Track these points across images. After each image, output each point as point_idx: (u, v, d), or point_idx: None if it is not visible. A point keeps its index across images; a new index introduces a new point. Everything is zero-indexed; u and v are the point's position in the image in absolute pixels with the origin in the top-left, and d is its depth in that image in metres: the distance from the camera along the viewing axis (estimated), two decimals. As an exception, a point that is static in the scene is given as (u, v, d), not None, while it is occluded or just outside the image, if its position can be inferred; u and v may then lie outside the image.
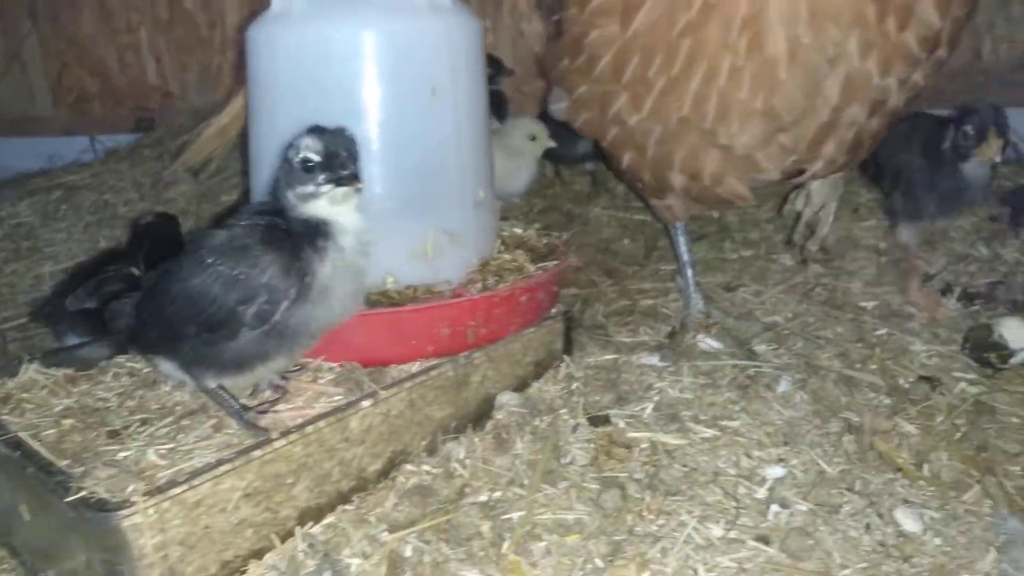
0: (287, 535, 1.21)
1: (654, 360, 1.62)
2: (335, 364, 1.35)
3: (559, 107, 1.68)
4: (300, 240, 1.19)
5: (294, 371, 1.34)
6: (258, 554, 1.19)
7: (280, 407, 1.27)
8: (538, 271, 1.52)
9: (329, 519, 1.25)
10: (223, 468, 1.11)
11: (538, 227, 1.75)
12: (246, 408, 1.24)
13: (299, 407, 1.27)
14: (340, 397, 1.29)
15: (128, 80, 3.43)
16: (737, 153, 1.49)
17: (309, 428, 1.21)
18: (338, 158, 1.17)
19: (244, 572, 1.17)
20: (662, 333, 1.76)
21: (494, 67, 2.50)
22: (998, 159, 1.71)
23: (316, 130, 1.18)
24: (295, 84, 1.41)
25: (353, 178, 1.17)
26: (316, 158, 1.17)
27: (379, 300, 1.40)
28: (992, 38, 2.81)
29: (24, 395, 1.35)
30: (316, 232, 1.20)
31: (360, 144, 1.21)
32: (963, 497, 1.28)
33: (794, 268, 2.02)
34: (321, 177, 1.17)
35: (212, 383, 1.23)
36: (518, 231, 1.70)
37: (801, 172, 1.59)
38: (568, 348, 1.63)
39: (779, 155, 1.50)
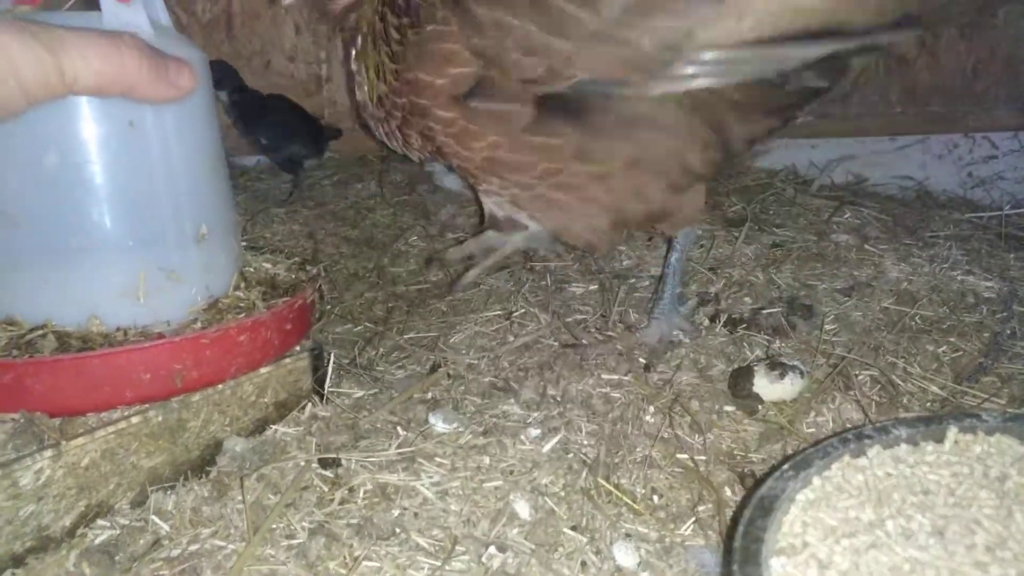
0: (-61, 606, 1.10)
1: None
2: (9, 415, 1.24)
3: None
4: None
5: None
6: (-102, 630, 1.07)
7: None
8: (266, 309, 1.45)
9: (-7, 586, 1.14)
10: None
11: (294, 261, 1.68)
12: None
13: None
14: (11, 451, 1.18)
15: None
16: None
17: (-40, 486, 1.10)
18: None
19: None
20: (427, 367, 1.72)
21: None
22: None
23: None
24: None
25: None
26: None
27: (79, 344, 1.30)
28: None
29: None
30: None
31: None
32: (681, 530, 1.27)
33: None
34: None
35: None
36: (267, 265, 1.63)
37: None
38: (319, 387, 1.56)
39: None
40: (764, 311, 1.84)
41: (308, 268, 1.66)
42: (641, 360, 1.71)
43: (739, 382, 1.59)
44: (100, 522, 1.24)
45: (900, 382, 1.61)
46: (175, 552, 1.19)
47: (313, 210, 2.61)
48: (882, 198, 2.87)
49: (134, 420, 1.27)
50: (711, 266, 2.15)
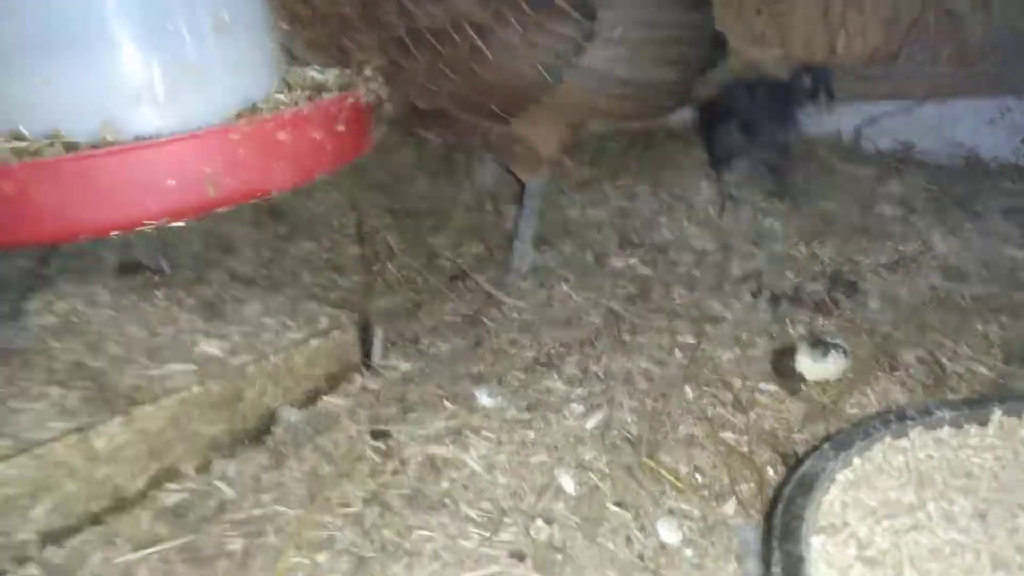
0: (25, 560, 1.17)
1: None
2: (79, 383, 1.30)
3: None
4: None
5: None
6: (-12, 583, 1.15)
7: None
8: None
9: (75, 541, 1.21)
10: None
11: (344, 71, 1.57)
12: None
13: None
14: (85, 416, 1.25)
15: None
16: None
17: (41, 450, 1.16)
18: None
19: (-29, 601, 1.13)
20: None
21: None
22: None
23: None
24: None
25: None
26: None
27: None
28: (846, 33, 2.89)
29: None
30: None
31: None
32: (723, 508, 1.30)
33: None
34: None
35: None
36: (314, 74, 1.52)
37: None
38: (367, 359, 1.61)
39: None
40: (807, 287, 1.84)
41: (366, 71, 1.53)
42: (688, 338, 1.73)
43: (782, 360, 1.59)
44: (169, 485, 1.31)
45: (947, 362, 1.61)
46: (240, 516, 1.25)
47: (354, 180, 2.63)
48: (930, 167, 2.80)
49: (195, 390, 1.33)
50: (753, 239, 2.14)
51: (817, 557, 0.82)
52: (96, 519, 1.24)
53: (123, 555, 1.18)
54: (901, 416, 1.26)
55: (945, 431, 1.24)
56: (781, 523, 0.88)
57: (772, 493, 1.31)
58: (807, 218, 2.26)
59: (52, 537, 1.20)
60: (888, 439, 1.21)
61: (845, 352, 1.58)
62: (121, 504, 1.27)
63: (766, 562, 1.06)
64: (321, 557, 1.18)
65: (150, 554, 1.18)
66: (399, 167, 2.76)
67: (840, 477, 0.98)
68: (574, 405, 1.51)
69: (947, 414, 1.25)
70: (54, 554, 1.18)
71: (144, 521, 1.24)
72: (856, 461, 1.12)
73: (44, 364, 1.39)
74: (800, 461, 1.24)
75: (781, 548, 0.82)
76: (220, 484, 1.31)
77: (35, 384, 1.34)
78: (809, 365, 1.57)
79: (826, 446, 1.03)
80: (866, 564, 0.84)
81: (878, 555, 0.88)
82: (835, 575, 0.82)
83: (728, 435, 1.44)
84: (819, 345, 1.57)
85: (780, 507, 0.92)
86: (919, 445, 1.21)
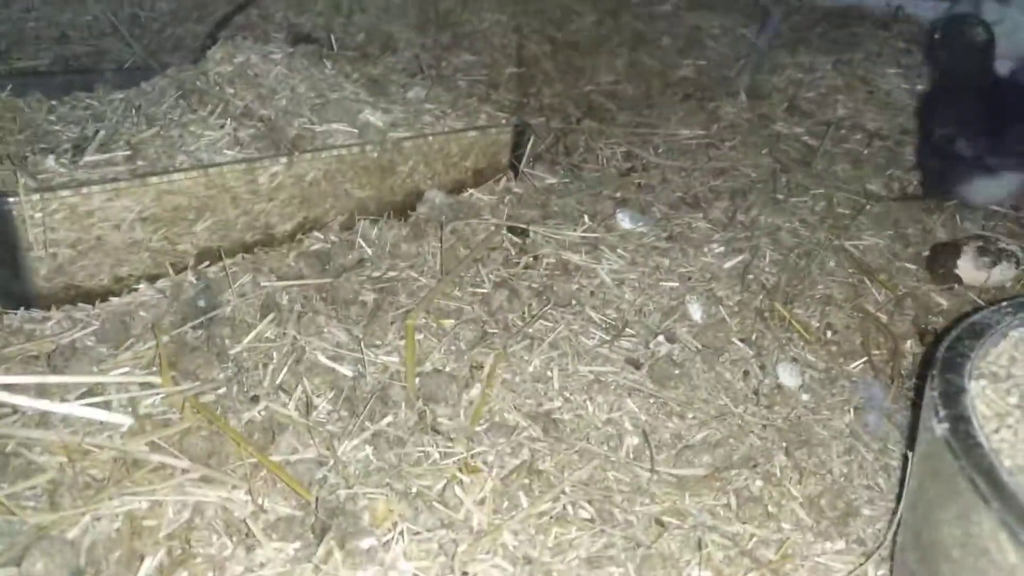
0: (182, 268, 1.27)
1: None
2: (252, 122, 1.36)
3: None
4: None
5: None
6: (152, 278, 1.25)
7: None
8: None
9: (227, 262, 1.30)
10: (115, 185, 1.16)
11: None
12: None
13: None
14: (253, 151, 1.31)
15: None
16: None
17: (212, 170, 1.24)
18: None
19: (136, 291, 1.24)
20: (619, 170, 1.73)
21: None
22: None
23: None
24: None
25: None
26: None
27: None
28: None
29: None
30: None
31: None
32: (850, 366, 1.26)
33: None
34: None
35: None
36: None
37: None
38: (516, 165, 1.61)
39: None
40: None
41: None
42: (844, 209, 1.64)
43: (940, 259, 1.47)
44: (315, 234, 1.38)
45: None
46: (376, 273, 1.31)
47: (520, 5, 2.57)
48: None
49: (354, 150, 1.37)
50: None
51: (976, 396, 0.78)
52: (247, 248, 1.32)
53: (269, 281, 1.26)
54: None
55: None
56: (944, 357, 0.82)
57: (908, 365, 1.26)
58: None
59: (208, 255, 1.29)
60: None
61: (1018, 262, 1.45)
62: (270, 240, 1.34)
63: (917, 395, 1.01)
64: (447, 323, 1.22)
65: (292, 285, 1.25)
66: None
67: (1014, 334, 0.91)
68: (715, 245, 1.47)
69: None
70: (208, 269, 1.28)
71: (290, 259, 1.32)
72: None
73: (220, 104, 1.47)
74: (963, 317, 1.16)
75: (942, 376, 0.77)
76: (362, 242, 1.37)
77: (212, 117, 1.42)
78: (972, 272, 1.45)
79: (1004, 303, 0.96)
80: (1024, 416, 0.79)
81: (1038, 411, 0.82)
82: (991, 416, 0.77)
83: (868, 304, 1.38)
84: (989, 252, 1.44)
85: (945, 344, 0.86)
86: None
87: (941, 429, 0.70)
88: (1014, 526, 0.60)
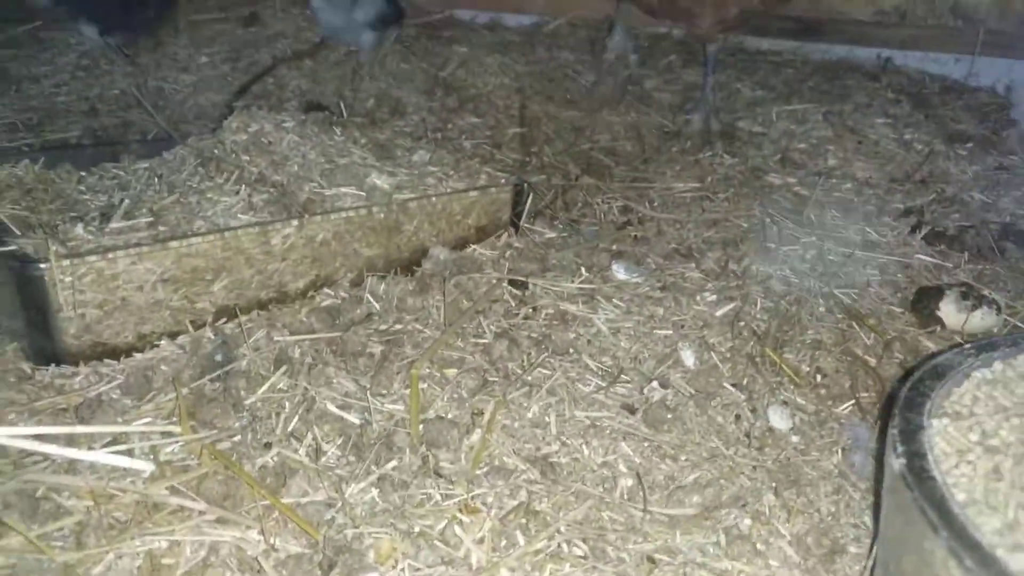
0: (201, 324, 1.35)
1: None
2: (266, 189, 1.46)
3: None
4: None
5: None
6: (173, 335, 1.33)
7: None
8: None
9: (243, 319, 1.38)
10: (138, 250, 1.25)
11: None
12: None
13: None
14: (266, 215, 1.40)
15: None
16: None
17: (228, 233, 1.32)
18: None
19: (157, 347, 1.32)
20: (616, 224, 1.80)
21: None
22: None
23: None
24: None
25: None
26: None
27: None
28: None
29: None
30: None
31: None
32: (838, 408, 1.31)
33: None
34: None
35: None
36: None
37: None
38: (516, 222, 1.69)
39: None
40: (972, 230, 1.76)
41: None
42: (835, 256, 1.70)
43: (923, 301, 1.53)
44: (326, 291, 1.46)
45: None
46: (383, 326, 1.38)
47: (525, 67, 2.69)
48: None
49: (362, 212, 1.46)
50: (921, 178, 2.05)
51: (936, 434, 0.83)
52: (262, 305, 1.40)
53: (283, 336, 1.33)
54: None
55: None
56: (906, 397, 0.87)
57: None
58: (988, 168, 2.13)
59: (225, 312, 1.37)
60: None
61: (999, 309, 1.50)
62: (283, 297, 1.42)
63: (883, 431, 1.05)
64: (450, 372, 1.29)
65: (304, 339, 1.33)
66: (569, 62, 2.79)
67: (977, 375, 0.96)
68: (707, 293, 1.53)
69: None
70: (225, 325, 1.36)
71: (302, 314, 1.40)
72: (998, 365, 1.06)
73: (235, 171, 1.56)
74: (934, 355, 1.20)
75: (902, 414, 0.82)
76: (370, 298, 1.44)
77: (228, 184, 1.51)
78: (953, 315, 1.49)
79: (967, 345, 1.01)
80: (987, 451, 0.83)
81: (1001, 445, 0.86)
82: (952, 453, 0.82)
83: (856, 348, 1.43)
84: (970, 297, 1.50)
85: (908, 384, 0.91)
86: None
87: (899, 464, 0.75)
88: (961, 553, 0.65)
